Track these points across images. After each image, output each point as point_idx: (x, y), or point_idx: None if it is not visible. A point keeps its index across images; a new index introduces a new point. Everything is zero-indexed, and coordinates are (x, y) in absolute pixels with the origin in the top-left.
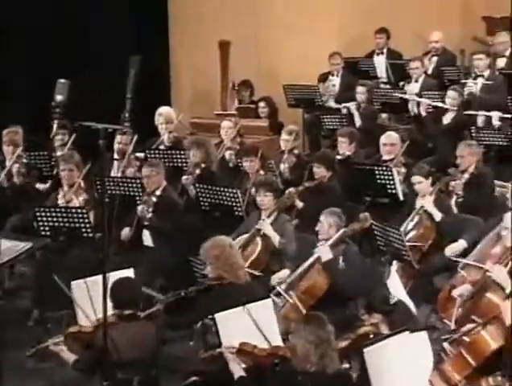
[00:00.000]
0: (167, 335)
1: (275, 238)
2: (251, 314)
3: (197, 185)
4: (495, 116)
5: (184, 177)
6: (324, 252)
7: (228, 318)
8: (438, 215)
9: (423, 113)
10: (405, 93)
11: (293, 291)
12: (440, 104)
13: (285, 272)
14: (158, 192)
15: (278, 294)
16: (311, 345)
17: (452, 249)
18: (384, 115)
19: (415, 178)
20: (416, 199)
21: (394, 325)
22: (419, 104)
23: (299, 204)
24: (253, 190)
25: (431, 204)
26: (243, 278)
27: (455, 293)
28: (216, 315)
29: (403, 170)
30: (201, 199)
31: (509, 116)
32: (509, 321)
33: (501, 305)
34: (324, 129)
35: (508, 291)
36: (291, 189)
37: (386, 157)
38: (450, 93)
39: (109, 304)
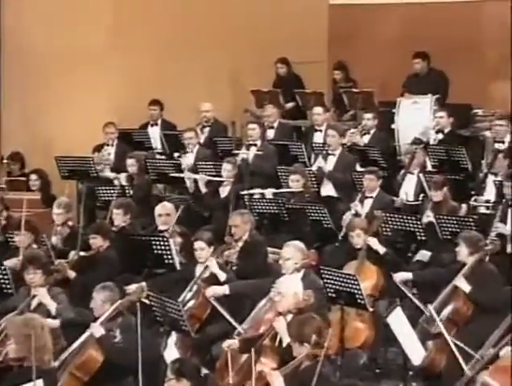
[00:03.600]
0: None
1: (52, 306)
2: None
3: None
4: (268, 193)
5: None
6: (95, 329)
7: None
8: (223, 276)
9: (203, 189)
10: (180, 165)
11: (67, 367)
12: (218, 179)
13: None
14: None
15: None
16: None
17: (213, 290)
18: (160, 185)
19: (198, 244)
20: (194, 268)
21: None
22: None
23: (72, 274)
24: None
25: (216, 266)
26: (47, 363)
27: (224, 345)
28: None
29: (179, 239)
30: None
31: (281, 190)
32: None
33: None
34: (99, 200)
35: (286, 341)
36: (61, 261)
37: (161, 227)
38: (225, 166)
39: None
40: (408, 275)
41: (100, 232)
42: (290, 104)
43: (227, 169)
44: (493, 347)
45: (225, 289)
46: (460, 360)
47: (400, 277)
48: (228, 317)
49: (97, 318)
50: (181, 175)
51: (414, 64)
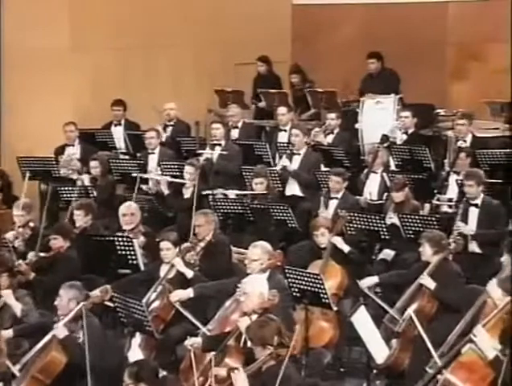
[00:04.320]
0: None
1: (18, 308)
2: None
3: None
4: (231, 193)
5: None
6: (59, 330)
7: None
8: (190, 273)
9: (166, 191)
10: (145, 165)
11: (29, 370)
12: (179, 181)
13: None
14: None
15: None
16: None
17: (178, 295)
18: (123, 185)
19: (164, 244)
20: (159, 268)
21: None
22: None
23: (31, 275)
24: None
25: (182, 264)
26: (4, 366)
27: (187, 343)
28: None
29: (142, 239)
30: None
31: (244, 192)
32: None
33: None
34: (61, 201)
35: (249, 344)
36: (21, 262)
37: (126, 227)
38: (188, 168)
39: None
40: (374, 279)
41: (61, 233)
42: (263, 103)
43: (189, 171)
44: (454, 344)
45: (189, 293)
46: (432, 351)
47: (367, 283)
48: (193, 320)
49: (57, 321)
50: (144, 176)
51: (368, 64)
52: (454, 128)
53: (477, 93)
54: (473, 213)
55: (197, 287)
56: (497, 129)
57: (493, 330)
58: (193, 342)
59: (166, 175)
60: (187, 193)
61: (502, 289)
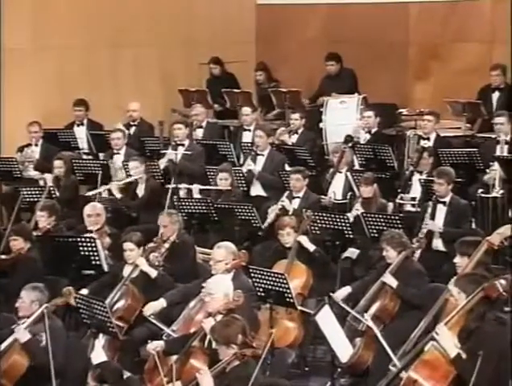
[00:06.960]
0: None
1: None
2: None
3: None
4: (195, 189)
5: None
6: (21, 333)
7: None
8: (154, 273)
9: (118, 195)
10: (108, 166)
11: None
12: (129, 180)
13: None
14: None
15: None
16: None
17: (152, 308)
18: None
19: (127, 245)
20: (123, 268)
21: None
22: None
23: None
24: None
25: (146, 264)
26: None
27: (149, 347)
28: None
29: (108, 239)
30: None
31: (208, 187)
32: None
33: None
34: (23, 202)
35: (214, 345)
36: None
37: (91, 227)
38: (132, 164)
39: None
40: (347, 289)
41: (21, 234)
42: (219, 107)
43: (134, 165)
44: (417, 342)
45: (162, 303)
46: (390, 354)
47: (341, 295)
48: (157, 323)
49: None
50: (95, 192)
51: (327, 66)
52: (417, 126)
53: (439, 93)
54: (441, 211)
55: (167, 295)
56: (458, 128)
57: (455, 328)
58: (155, 346)
59: (130, 176)
60: (141, 191)
61: (458, 288)
